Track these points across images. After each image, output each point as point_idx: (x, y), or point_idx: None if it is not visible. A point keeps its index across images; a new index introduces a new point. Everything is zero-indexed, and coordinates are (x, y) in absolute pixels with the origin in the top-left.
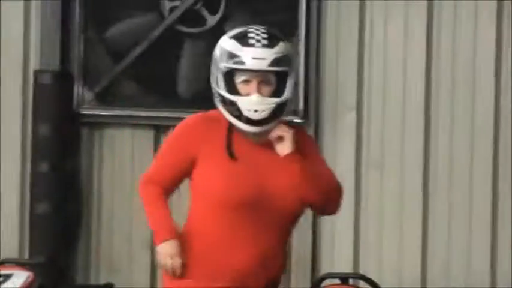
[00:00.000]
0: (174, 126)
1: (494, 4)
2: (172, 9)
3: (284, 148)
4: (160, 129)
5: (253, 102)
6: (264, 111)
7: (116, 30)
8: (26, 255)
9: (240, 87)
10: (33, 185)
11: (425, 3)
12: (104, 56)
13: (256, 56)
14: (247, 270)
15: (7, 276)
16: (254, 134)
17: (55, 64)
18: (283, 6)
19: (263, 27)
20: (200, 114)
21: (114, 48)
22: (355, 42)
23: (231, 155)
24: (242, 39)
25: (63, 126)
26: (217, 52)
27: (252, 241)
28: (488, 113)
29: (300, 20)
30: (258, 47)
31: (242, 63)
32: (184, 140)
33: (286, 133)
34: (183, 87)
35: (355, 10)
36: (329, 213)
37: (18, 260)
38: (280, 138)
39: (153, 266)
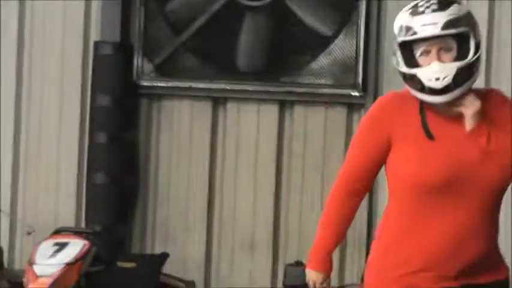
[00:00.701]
0: (232, 98)
1: None
2: None
3: (467, 123)
4: (218, 101)
5: (433, 71)
6: (445, 77)
7: (176, 3)
8: (83, 225)
9: (421, 61)
10: (91, 155)
11: None
12: (164, 28)
13: (426, 23)
14: (440, 254)
15: (63, 245)
16: (444, 106)
17: (116, 35)
18: None
19: None
20: (391, 93)
21: (175, 21)
22: None
23: (429, 134)
24: (413, 9)
25: (122, 98)
26: (394, 30)
27: (449, 223)
28: None
29: None
30: (428, 12)
31: (414, 33)
32: (377, 125)
33: (465, 108)
34: (242, 60)
35: None
36: None
37: (75, 228)
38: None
39: (209, 238)
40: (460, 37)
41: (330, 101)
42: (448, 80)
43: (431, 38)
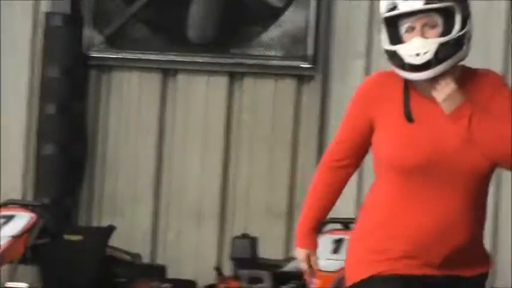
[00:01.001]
0: (182, 70)
1: None
2: None
3: (446, 106)
4: (168, 72)
5: (413, 46)
6: (426, 52)
7: None
8: (31, 197)
9: (405, 37)
10: (40, 126)
11: None
12: None
13: None
14: (425, 239)
15: (9, 217)
16: (428, 86)
17: (66, 7)
18: None
19: None
20: (377, 72)
21: None
22: None
23: (408, 116)
24: None
25: (71, 69)
26: (380, 7)
27: (434, 208)
28: None
29: None
30: None
31: (396, 8)
32: (361, 103)
33: (436, 92)
34: (192, 31)
35: None
36: None
37: (22, 201)
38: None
39: (156, 209)
40: (446, 12)
41: (279, 72)
42: (428, 55)
43: (415, 13)
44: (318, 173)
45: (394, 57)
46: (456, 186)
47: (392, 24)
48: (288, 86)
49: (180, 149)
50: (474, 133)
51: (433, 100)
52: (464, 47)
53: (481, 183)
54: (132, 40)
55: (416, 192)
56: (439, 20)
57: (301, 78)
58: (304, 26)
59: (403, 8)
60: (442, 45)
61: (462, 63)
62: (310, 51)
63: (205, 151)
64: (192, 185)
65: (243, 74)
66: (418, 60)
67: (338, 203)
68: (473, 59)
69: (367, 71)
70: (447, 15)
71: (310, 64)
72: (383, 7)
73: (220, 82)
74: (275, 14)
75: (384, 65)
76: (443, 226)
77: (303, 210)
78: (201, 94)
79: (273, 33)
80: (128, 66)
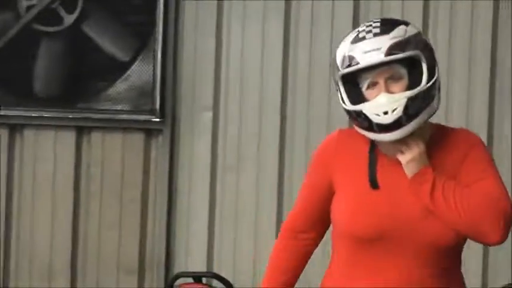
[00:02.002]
0: (30, 125)
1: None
2: (29, 8)
3: (409, 169)
4: (16, 128)
5: (380, 104)
6: (394, 110)
7: None
8: None
9: (368, 95)
10: None
11: (282, 3)
12: None
13: (368, 49)
14: None
15: None
16: (392, 145)
17: None
18: (141, 7)
19: (379, 18)
20: (338, 130)
21: None
22: (212, 42)
23: (374, 183)
24: (354, 37)
25: None
26: (334, 64)
27: (391, 282)
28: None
29: (157, 20)
30: (369, 38)
31: (354, 62)
32: (321, 165)
33: (401, 154)
34: (38, 86)
35: (213, 10)
36: (486, 242)
37: None
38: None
39: (6, 267)
40: (410, 62)
41: (127, 126)
42: (397, 112)
43: (376, 66)
44: (280, 244)
45: (359, 117)
46: (418, 258)
47: (351, 81)
48: (136, 140)
49: (29, 205)
50: (429, 202)
51: (398, 162)
52: (435, 99)
53: (448, 253)
54: None
55: (372, 263)
56: (403, 71)
57: (150, 132)
58: (151, 79)
59: (363, 62)
60: (411, 100)
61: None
62: (157, 105)
63: (55, 206)
64: (41, 242)
65: (90, 129)
66: (387, 119)
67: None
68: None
69: (215, 123)
70: (412, 65)
71: (158, 118)
72: (339, 62)
73: (68, 137)
74: (121, 68)
75: (231, 116)
76: None
77: (263, 285)
78: (49, 149)
79: (120, 87)
80: None
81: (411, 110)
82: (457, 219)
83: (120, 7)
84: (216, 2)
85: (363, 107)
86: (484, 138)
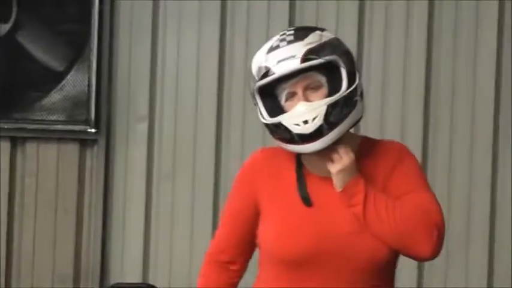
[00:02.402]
0: None
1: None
2: None
3: (338, 180)
4: None
5: (299, 113)
6: (315, 118)
7: None
8: None
9: (288, 107)
10: None
11: (218, 11)
12: None
13: (282, 57)
14: None
15: None
16: (318, 157)
17: None
18: (76, 16)
19: (294, 27)
20: (261, 149)
21: None
22: (147, 51)
23: (306, 200)
24: (267, 46)
25: None
26: (250, 75)
27: None
28: None
29: (92, 29)
30: (283, 46)
31: (270, 72)
32: (245, 185)
33: (331, 163)
34: None
35: (148, 21)
36: (418, 255)
37: None
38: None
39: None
40: (328, 69)
41: (62, 137)
42: (318, 121)
43: (293, 75)
44: (207, 273)
45: (278, 129)
46: (350, 274)
47: (269, 93)
48: (71, 150)
49: None
50: (359, 216)
51: (326, 178)
52: (358, 105)
53: (381, 270)
54: None
55: (302, 284)
56: (322, 79)
57: (84, 142)
58: (85, 89)
59: (278, 71)
60: (331, 107)
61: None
62: (92, 115)
63: None
64: None
65: (25, 139)
66: (307, 129)
67: None
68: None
69: (151, 133)
70: (331, 72)
71: (93, 128)
72: (254, 73)
73: (3, 147)
74: (56, 78)
75: (166, 124)
76: None
77: None
78: None
79: (54, 97)
80: None
81: (332, 117)
82: (388, 232)
83: (55, 16)
84: (151, 11)
85: (282, 118)
86: (419, 150)
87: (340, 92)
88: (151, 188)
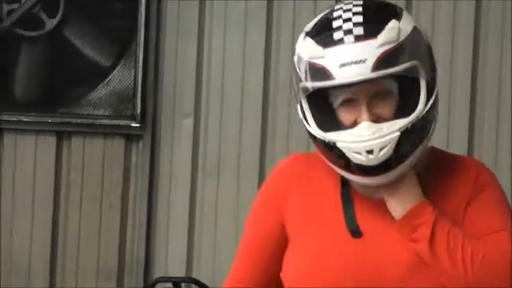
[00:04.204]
0: (8, 129)
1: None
2: (10, 12)
3: (395, 208)
4: None
5: (362, 138)
6: (383, 148)
7: None
8: None
9: (342, 114)
10: None
11: (264, 11)
12: None
13: (347, 60)
14: None
15: None
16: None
17: None
18: (123, 11)
19: (360, 2)
20: (292, 156)
21: None
22: (194, 48)
23: (355, 230)
24: (323, 32)
25: None
26: (294, 64)
27: None
28: None
29: (139, 25)
30: (349, 42)
31: (327, 76)
32: (271, 200)
33: (387, 192)
34: (19, 91)
35: (195, 15)
36: None
37: None
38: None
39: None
40: (404, 76)
41: (108, 132)
42: (386, 153)
43: (353, 84)
44: None
45: (330, 150)
46: None
47: (318, 93)
48: (116, 145)
49: (8, 210)
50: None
51: (378, 202)
52: (432, 129)
53: None
54: None
55: None
56: (393, 86)
57: (130, 137)
58: (132, 85)
59: (340, 77)
60: (405, 133)
61: None
62: (138, 110)
63: (34, 211)
64: (20, 247)
65: (71, 133)
66: (371, 161)
67: None
68: None
69: (196, 130)
70: (406, 80)
71: (139, 123)
72: (302, 70)
73: (49, 141)
74: (103, 73)
75: (212, 121)
76: None
77: None
78: (29, 154)
79: (100, 92)
80: None
81: (404, 147)
82: (463, 279)
83: (102, 12)
84: (197, 8)
85: (337, 138)
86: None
87: (417, 111)
88: (196, 184)
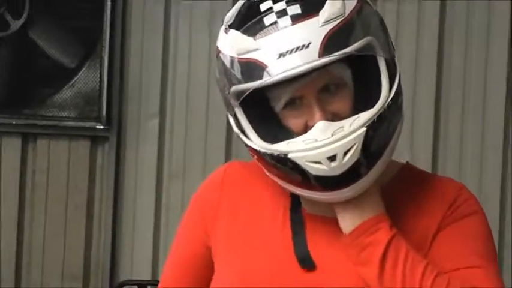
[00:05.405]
0: None
1: None
2: None
3: (345, 220)
4: None
5: (319, 144)
6: (347, 151)
7: None
8: None
9: (288, 118)
10: None
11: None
12: None
13: (287, 48)
14: None
15: None
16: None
17: None
18: (88, 11)
19: None
20: (231, 163)
21: None
22: (159, 50)
23: (305, 261)
24: (249, 19)
25: None
26: (218, 68)
27: None
28: None
29: (104, 26)
30: (285, 25)
31: (264, 72)
32: (199, 210)
33: (343, 206)
34: None
35: (160, 18)
36: None
37: None
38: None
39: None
40: (357, 62)
41: (73, 133)
42: (353, 156)
43: (303, 74)
44: None
45: (280, 164)
46: None
47: (252, 99)
48: (82, 147)
49: None
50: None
51: (327, 217)
52: (401, 122)
53: None
54: None
55: None
56: (345, 73)
57: (95, 139)
58: (97, 86)
59: (280, 70)
60: (373, 128)
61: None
62: (103, 112)
63: None
64: None
65: (36, 135)
66: (336, 170)
67: None
68: None
69: (162, 131)
70: (359, 60)
71: (104, 125)
72: (234, 70)
73: (14, 143)
74: (68, 74)
75: (178, 122)
76: None
77: None
78: None
79: (66, 94)
80: None
81: (373, 146)
82: None
83: (67, 13)
84: (163, 7)
85: (289, 148)
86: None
87: (381, 99)
88: (162, 185)
